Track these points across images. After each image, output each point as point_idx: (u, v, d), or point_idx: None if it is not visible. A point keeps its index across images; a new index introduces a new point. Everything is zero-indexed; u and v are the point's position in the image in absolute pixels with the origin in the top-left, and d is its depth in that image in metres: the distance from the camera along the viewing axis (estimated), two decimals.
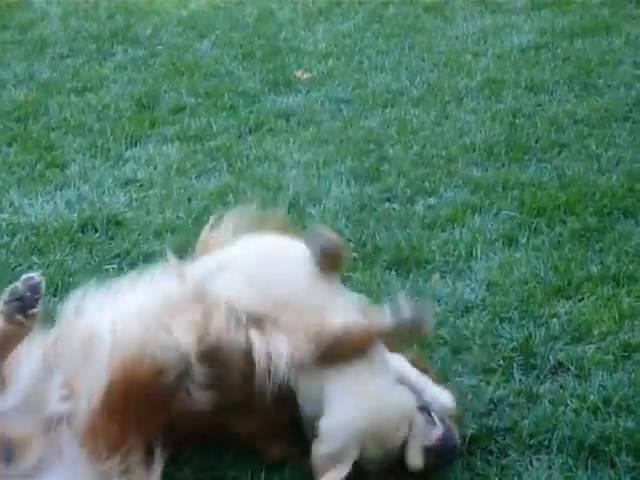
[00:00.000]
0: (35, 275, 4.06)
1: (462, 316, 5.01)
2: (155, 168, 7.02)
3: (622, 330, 4.86)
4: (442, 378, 4.37)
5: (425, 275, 5.39)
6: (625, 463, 3.95)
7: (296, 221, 6.08)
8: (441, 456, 3.89)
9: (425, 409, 3.92)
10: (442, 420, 3.93)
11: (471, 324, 4.89)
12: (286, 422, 3.93)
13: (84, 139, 7.54)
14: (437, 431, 3.89)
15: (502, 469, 3.94)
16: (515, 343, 4.77)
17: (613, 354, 4.68)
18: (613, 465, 3.95)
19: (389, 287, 5.25)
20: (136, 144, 7.46)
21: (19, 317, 3.92)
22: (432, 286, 5.31)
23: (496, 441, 4.07)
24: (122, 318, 4.04)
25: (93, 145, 7.43)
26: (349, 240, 5.89)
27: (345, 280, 5.37)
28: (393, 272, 5.49)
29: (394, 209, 6.33)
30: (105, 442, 3.76)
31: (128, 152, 7.34)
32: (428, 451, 3.84)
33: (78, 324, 4.15)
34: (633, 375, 4.50)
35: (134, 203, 6.45)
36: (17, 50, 9.65)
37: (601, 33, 9.28)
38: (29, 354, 4.03)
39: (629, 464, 3.94)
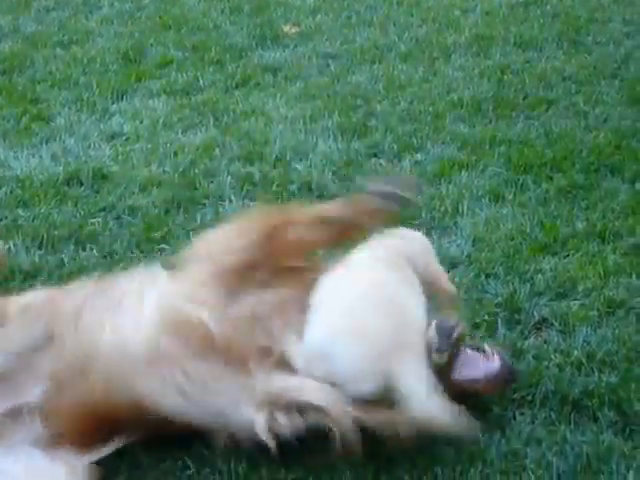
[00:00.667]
0: None
1: (448, 271, 4.96)
2: (141, 122, 6.98)
3: (607, 286, 4.87)
4: None
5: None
6: (607, 417, 3.96)
7: (282, 176, 6.09)
8: (508, 381, 4.00)
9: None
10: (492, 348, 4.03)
11: (456, 279, 4.88)
12: None
13: (70, 92, 7.49)
14: (495, 359, 3.96)
15: (486, 423, 3.94)
16: (500, 298, 4.77)
17: (597, 310, 4.69)
18: (596, 419, 3.97)
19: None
20: (122, 98, 7.41)
21: None
22: None
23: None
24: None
25: (79, 98, 7.38)
26: (335, 195, 5.87)
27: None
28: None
29: (381, 165, 6.32)
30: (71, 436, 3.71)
31: (114, 106, 7.30)
32: (493, 380, 3.93)
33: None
34: (617, 331, 4.51)
35: (120, 157, 6.41)
36: (2, 3, 9.57)
37: None
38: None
39: (611, 418, 3.96)
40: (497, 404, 4.09)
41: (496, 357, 3.99)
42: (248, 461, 3.77)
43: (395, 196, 4.07)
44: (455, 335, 3.83)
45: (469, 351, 4.00)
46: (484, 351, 4.00)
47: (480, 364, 3.96)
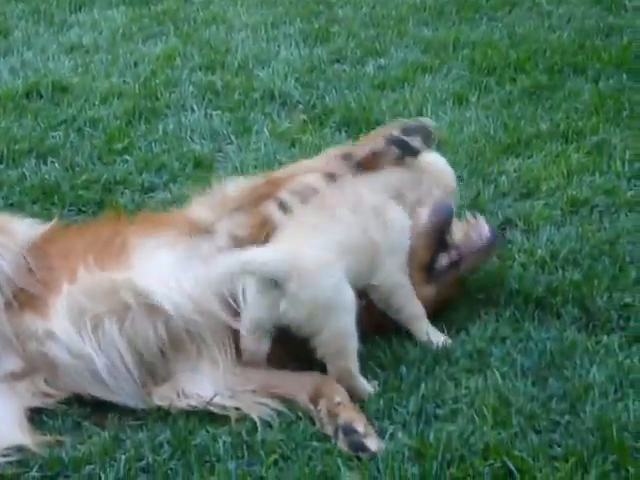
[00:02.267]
0: None
1: None
2: (100, 33, 6.89)
3: (570, 185, 4.88)
4: None
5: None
6: (571, 314, 3.99)
7: (244, 84, 6.03)
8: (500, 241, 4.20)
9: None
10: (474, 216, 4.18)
11: None
12: None
13: (27, 5, 7.39)
14: (483, 224, 4.10)
15: (451, 323, 3.97)
16: (464, 200, 4.76)
17: (561, 209, 4.71)
18: (559, 316, 4.00)
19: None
20: (80, 9, 7.32)
21: None
22: None
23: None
24: None
25: (36, 11, 7.28)
26: (298, 102, 5.85)
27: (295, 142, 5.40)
28: (343, 133, 5.46)
29: (344, 70, 6.27)
30: None
31: (72, 17, 7.20)
32: (488, 244, 4.07)
33: None
34: (580, 229, 4.53)
35: (79, 69, 6.34)
36: None
37: None
38: None
39: (575, 315, 3.99)
40: (463, 303, 4.11)
41: (483, 222, 4.12)
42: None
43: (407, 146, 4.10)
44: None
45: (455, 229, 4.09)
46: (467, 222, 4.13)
47: (470, 237, 4.07)
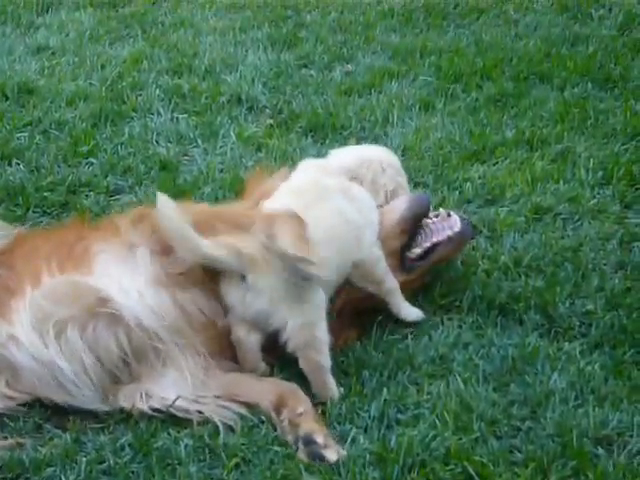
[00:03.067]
0: None
1: None
2: (67, 35, 6.86)
3: (534, 193, 4.91)
4: None
5: (341, 141, 5.36)
6: (533, 320, 4.02)
7: (211, 88, 6.03)
8: (470, 233, 4.27)
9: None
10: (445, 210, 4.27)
11: None
12: None
13: None
14: (454, 217, 4.18)
15: (414, 328, 3.98)
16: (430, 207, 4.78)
17: (525, 216, 4.74)
18: (521, 323, 4.02)
19: (305, 153, 5.21)
20: (47, 10, 7.28)
21: None
22: None
23: (408, 302, 4.11)
24: None
25: (3, 12, 7.23)
26: (265, 107, 5.85)
27: (262, 146, 5.40)
28: (309, 138, 5.47)
29: (311, 75, 6.28)
30: None
31: (39, 19, 7.17)
32: (459, 236, 4.16)
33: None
34: (544, 236, 4.56)
35: (46, 71, 6.31)
36: None
37: None
38: None
39: (537, 321, 4.01)
40: (426, 310, 4.12)
41: (454, 215, 4.19)
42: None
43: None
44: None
45: (429, 220, 4.18)
46: (438, 216, 4.20)
47: (439, 227, 4.16)
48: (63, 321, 3.63)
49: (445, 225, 4.17)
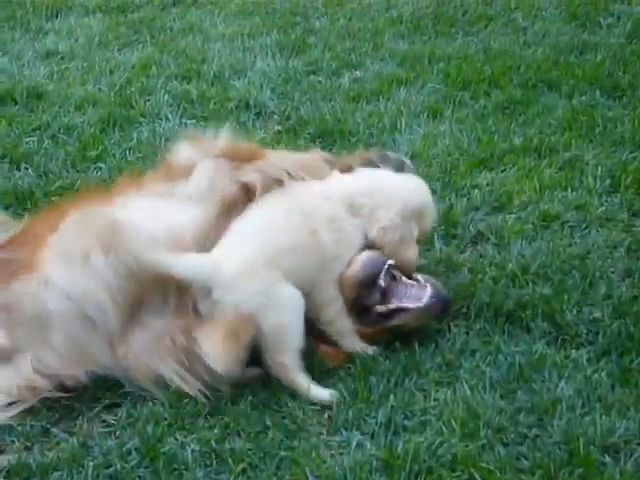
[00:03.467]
0: None
1: None
2: (76, 40, 6.88)
3: (542, 200, 4.91)
4: None
5: (349, 147, 5.37)
6: (540, 328, 4.01)
7: (220, 94, 6.04)
8: (439, 311, 3.98)
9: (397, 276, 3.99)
10: (426, 280, 4.02)
11: None
12: None
13: (3, 10, 7.37)
14: (427, 289, 3.96)
15: (421, 335, 3.98)
16: (437, 213, 4.78)
17: (532, 224, 4.73)
18: (529, 330, 4.02)
19: None
20: (57, 16, 7.30)
21: None
22: None
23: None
24: None
25: (12, 17, 7.26)
26: (273, 113, 5.86)
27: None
28: (317, 144, 5.47)
29: (319, 82, 6.28)
30: None
31: (49, 24, 7.18)
32: (424, 310, 3.93)
33: None
34: (551, 244, 4.55)
35: (55, 75, 6.32)
36: None
37: None
38: None
39: (544, 329, 4.01)
40: None
41: (428, 288, 3.97)
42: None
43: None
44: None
45: (403, 280, 4.00)
46: (417, 281, 4.01)
47: (412, 293, 3.96)
48: (86, 249, 3.72)
49: (414, 294, 3.95)
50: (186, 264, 3.68)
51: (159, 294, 3.80)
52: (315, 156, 4.25)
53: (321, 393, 3.67)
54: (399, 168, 4.24)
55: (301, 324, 3.71)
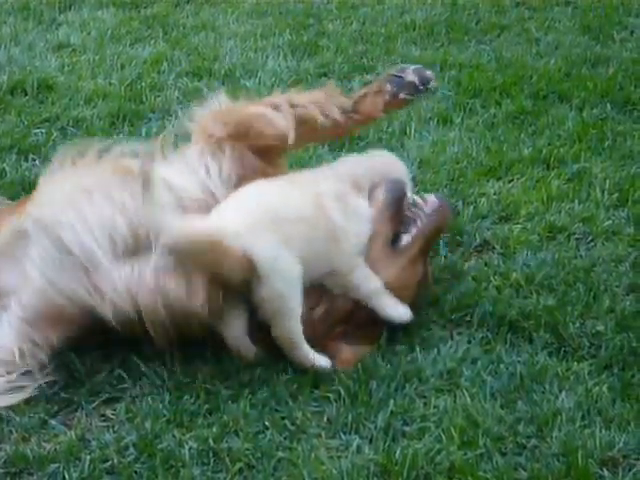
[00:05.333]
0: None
1: None
2: (89, 33, 6.89)
3: (549, 211, 4.90)
4: None
5: (358, 151, 5.33)
6: (543, 339, 4.00)
7: (230, 92, 6.02)
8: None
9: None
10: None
11: None
12: None
13: (16, 1, 7.36)
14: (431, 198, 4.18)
15: (423, 341, 3.98)
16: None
17: (538, 234, 4.72)
18: (531, 341, 4.01)
19: (321, 161, 5.20)
20: (70, 8, 7.31)
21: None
22: None
23: (419, 314, 4.10)
24: None
25: (26, 7, 7.27)
26: None
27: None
28: (326, 147, 5.46)
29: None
30: None
31: (61, 16, 7.19)
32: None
33: None
34: (557, 255, 4.54)
35: (66, 68, 6.33)
36: None
37: None
38: None
39: (546, 340, 4.00)
40: (436, 323, 4.12)
41: (427, 196, 4.20)
42: (184, 375, 3.78)
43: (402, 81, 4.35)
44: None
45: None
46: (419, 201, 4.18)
47: (424, 208, 4.13)
48: (89, 188, 3.76)
49: (424, 208, 4.14)
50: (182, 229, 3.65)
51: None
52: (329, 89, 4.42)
53: (323, 361, 3.75)
54: (421, 74, 4.35)
55: (300, 292, 3.72)
